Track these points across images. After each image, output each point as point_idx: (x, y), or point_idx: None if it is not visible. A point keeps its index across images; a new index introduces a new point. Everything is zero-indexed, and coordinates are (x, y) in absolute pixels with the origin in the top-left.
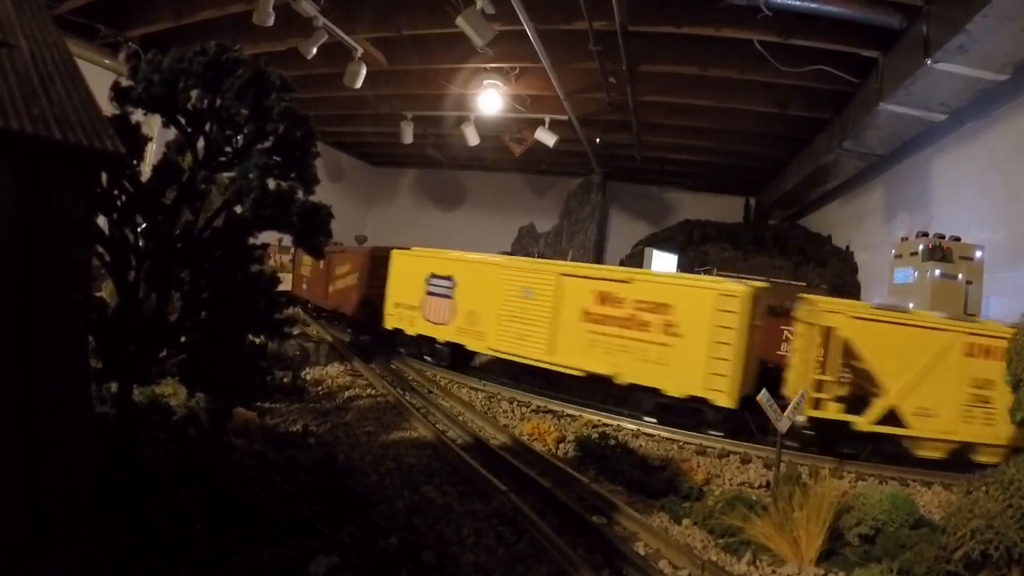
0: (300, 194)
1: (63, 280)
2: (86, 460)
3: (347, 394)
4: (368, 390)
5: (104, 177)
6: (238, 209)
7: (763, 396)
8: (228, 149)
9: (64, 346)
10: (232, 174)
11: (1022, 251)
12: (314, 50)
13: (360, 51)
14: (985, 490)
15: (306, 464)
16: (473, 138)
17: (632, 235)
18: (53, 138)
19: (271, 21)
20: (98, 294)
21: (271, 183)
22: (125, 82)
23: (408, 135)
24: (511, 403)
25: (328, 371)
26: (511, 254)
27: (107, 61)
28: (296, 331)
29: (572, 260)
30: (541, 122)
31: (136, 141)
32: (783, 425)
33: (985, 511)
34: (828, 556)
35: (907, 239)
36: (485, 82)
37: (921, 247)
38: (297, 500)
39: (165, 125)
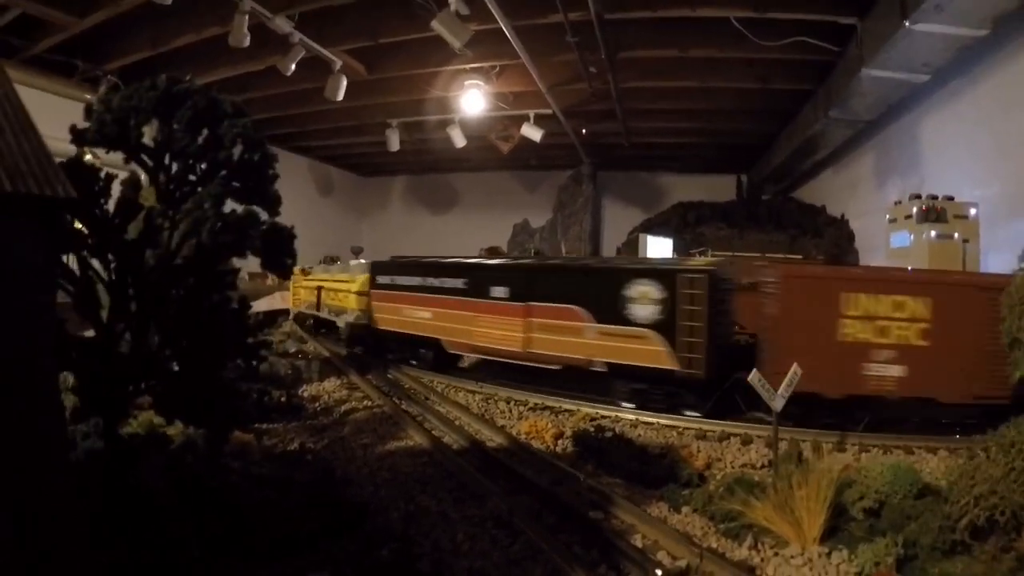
0: (266, 216)
1: (30, 325)
2: (72, 498)
3: (344, 408)
4: (364, 402)
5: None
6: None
7: (754, 376)
8: (192, 178)
9: (36, 388)
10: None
11: (1015, 205)
12: (292, 66)
13: (339, 63)
14: (986, 454)
15: (303, 481)
16: (459, 140)
17: (627, 222)
18: (4, 190)
19: (247, 42)
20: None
21: (238, 208)
22: (81, 124)
23: (394, 143)
24: (508, 403)
25: (324, 386)
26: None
27: (88, 96)
28: (292, 349)
29: (566, 253)
30: (526, 118)
31: (92, 182)
32: (777, 404)
33: (988, 476)
34: (833, 533)
35: (900, 203)
36: (467, 83)
37: (915, 210)
38: (293, 518)
39: (126, 161)
